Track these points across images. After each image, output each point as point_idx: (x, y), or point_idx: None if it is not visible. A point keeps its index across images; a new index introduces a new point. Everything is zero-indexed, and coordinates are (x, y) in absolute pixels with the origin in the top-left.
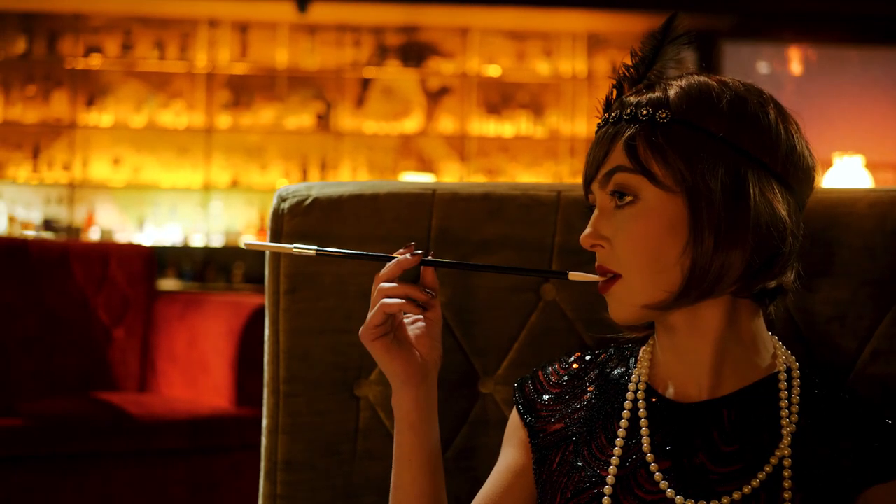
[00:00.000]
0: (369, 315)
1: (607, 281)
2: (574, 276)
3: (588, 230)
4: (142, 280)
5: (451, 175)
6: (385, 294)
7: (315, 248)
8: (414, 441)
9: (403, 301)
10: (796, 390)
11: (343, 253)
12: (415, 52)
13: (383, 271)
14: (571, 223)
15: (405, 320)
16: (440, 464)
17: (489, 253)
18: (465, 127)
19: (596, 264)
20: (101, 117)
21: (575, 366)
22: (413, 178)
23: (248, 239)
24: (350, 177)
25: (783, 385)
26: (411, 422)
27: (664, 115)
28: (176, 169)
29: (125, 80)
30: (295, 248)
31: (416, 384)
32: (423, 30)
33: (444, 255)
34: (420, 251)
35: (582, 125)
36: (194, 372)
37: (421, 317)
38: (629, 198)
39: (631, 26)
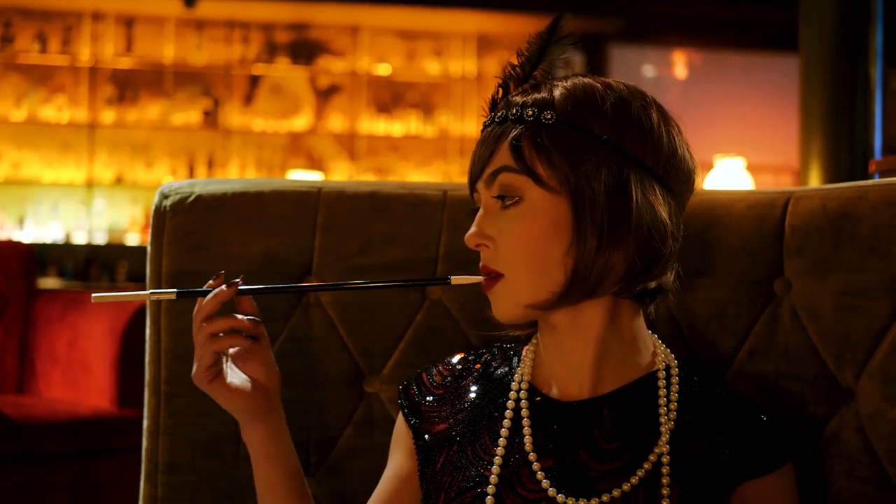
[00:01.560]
0: (198, 357)
1: (490, 280)
2: (457, 280)
3: (473, 230)
4: (20, 278)
5: (341, 174)
6: (210, 332)
7: (175, 290)
8: (273, 471)
9: (233, 336)
10: (675, 388)
11: (180, 292)
12: (304, 49)
13: (203, 309)
14: (458, 222)
15: (229, 351)
16: (304, 482)
17: (375, 251)
18: (355, 126)
19: (480, 264)
20: None
21: (458, 366)
22: (301, 176)
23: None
24: (238, 175)
25: (662, 383)
26: (268, 453)
27: (549, 117)
28: (58, 165)
29: (5, 73)
30: (152, 293)
31: (265, 414)
32: (313, 27)
33: (330, 254)
34: (236, 280)
35: (471, 125)
36: (75, 373)
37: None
38: (514, 198)
39: (521, 27)
